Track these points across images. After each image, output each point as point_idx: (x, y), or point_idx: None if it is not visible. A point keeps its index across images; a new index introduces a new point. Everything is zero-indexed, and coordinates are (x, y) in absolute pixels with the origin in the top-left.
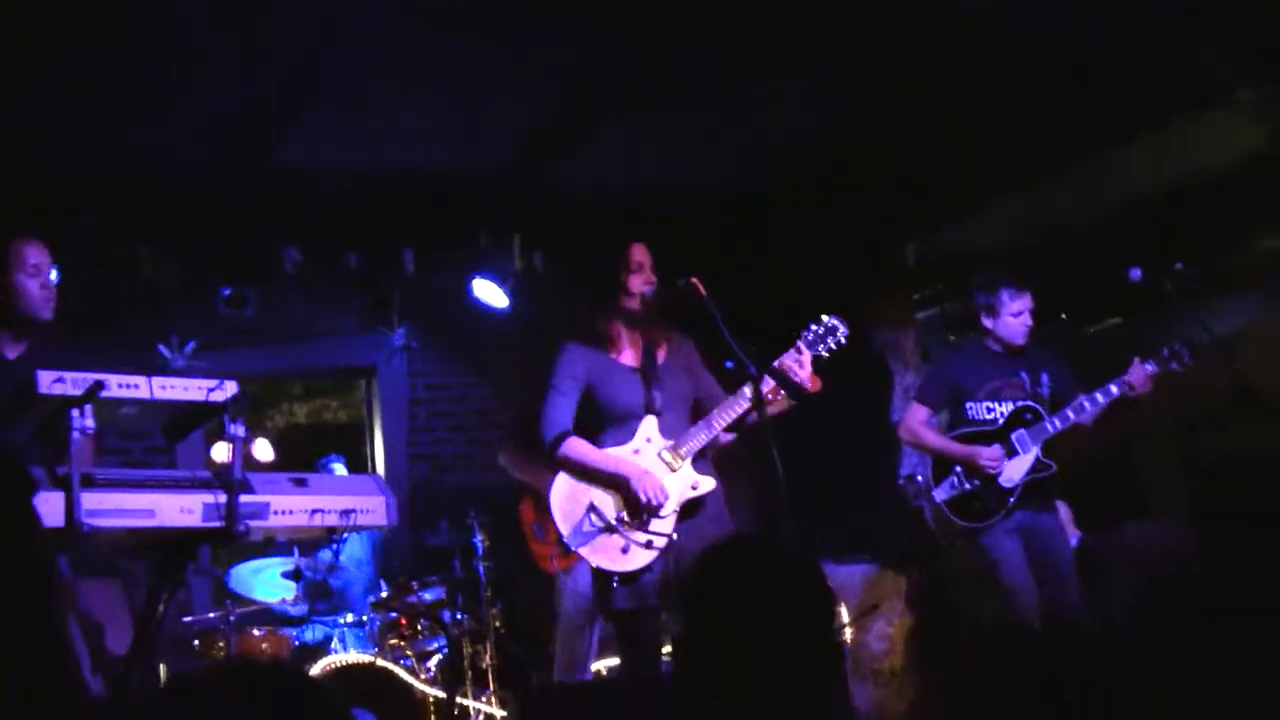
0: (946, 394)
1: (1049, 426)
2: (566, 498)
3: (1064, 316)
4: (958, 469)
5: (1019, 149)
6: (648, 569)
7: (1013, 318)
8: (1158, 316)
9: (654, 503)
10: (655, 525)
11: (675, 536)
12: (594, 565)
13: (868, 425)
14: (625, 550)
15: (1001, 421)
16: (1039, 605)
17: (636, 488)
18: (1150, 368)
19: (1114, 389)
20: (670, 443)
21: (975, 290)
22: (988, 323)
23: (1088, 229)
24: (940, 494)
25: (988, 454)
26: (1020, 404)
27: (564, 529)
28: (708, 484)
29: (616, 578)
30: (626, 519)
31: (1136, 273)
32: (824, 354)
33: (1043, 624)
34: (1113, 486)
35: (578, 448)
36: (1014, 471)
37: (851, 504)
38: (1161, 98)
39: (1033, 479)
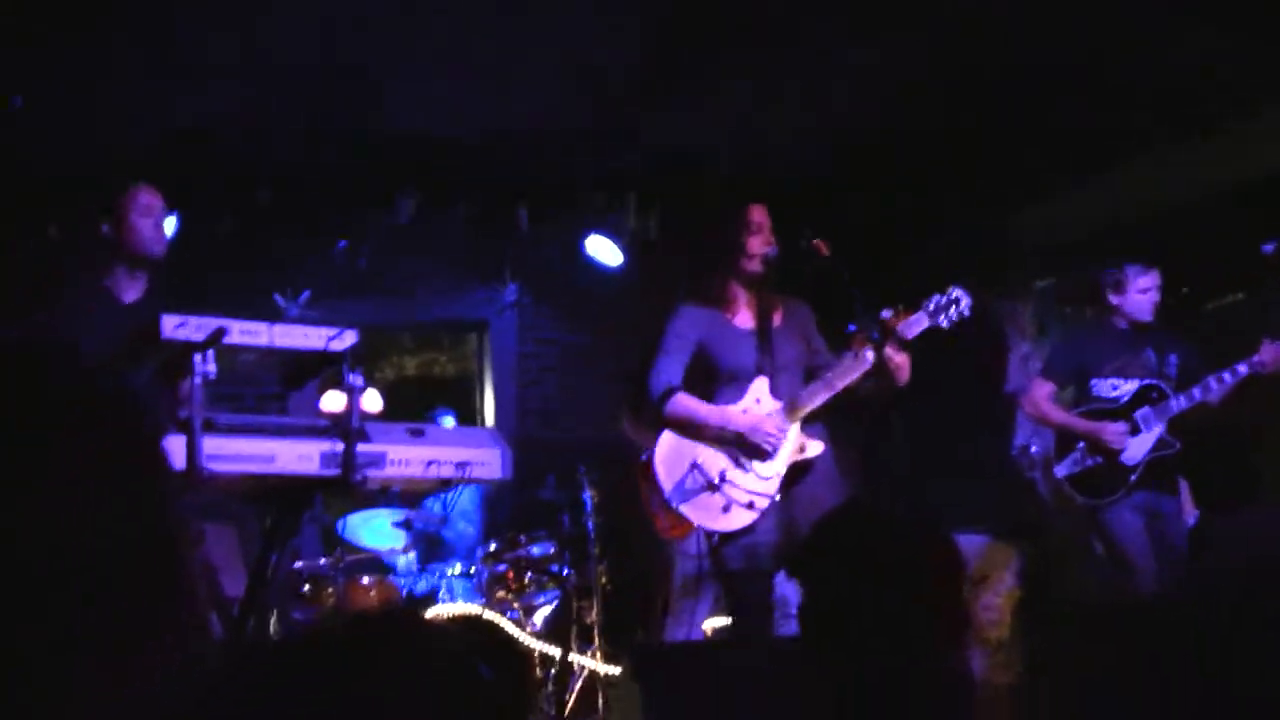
0: (1072, 370)
1: (1174, 404)
2: (671, 453)
3: (1185, 291)
4: (1080, 445)
5: (1143, 120)
6: (749, 529)
7: (1140, 294)
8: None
9: (773, 446)
10: (758, 485)
11: (778, 498)
12: (694, 523)
13: (982, 394)
14: (726, 509)
15: (1126, 399)
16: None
17: (752, 438)
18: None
19: (1242, 369)
20: (779, 404)
21: (1102, 268)
22: (1115, 300)
23: (1214, 201)
24: (1061, 470)
25: (1111, 430)
26: (1146, 382)
27: (666, 485)
28: (816, 447)
29: (717, 536)
30: (729, 477)
31: (1269, 246)
32: (944, 325)
33: (1149, 603)
34: (1226, 464)
35: (686, 402)
36: (1137, 449)
37: (963, 474)
38: None
39: (1155, 457)
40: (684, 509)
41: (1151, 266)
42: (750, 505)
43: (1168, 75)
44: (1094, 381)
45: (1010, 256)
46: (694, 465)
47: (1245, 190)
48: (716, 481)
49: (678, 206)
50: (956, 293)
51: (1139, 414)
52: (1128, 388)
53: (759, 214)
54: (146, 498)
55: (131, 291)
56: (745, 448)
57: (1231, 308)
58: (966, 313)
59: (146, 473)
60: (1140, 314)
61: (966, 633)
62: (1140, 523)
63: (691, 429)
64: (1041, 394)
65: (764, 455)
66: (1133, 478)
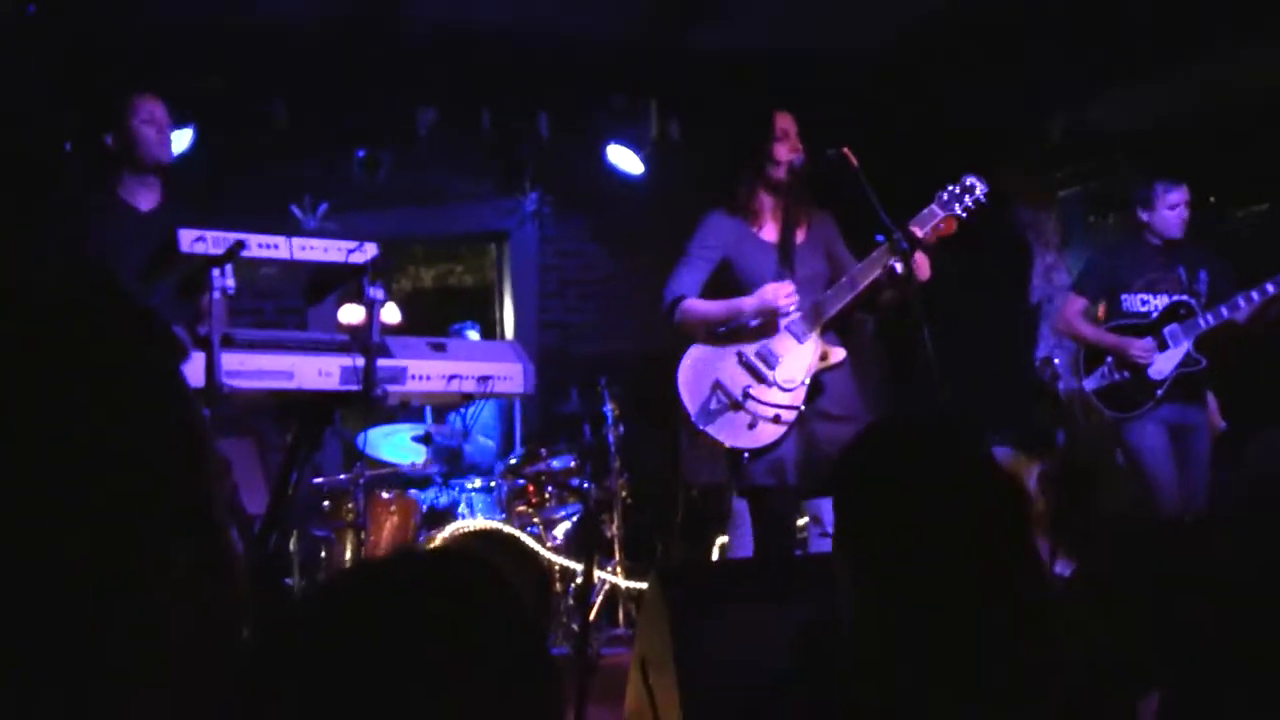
0: (1104, 286)
1: (1202, 322)
2: (693, 377)
3: (1211, 200)
4: (1109, 359)
5: (1177, 23)
6: (777, 443)
7: (1169, 210)
8: None
9: (783, 302)
10: (782, 398)
11: (804, 409)
12: (721, 443)
13: (1005, 304)
14: (752, 426)
15: (1155, 315)
16: (1178, 496)
17: (767, 304)
18: None
19: (1270, 287)
20: (797, 315)
21: (1130, 185)
22: (1144, 216)
23: (1245, 110)
24: (1090, 383)
25: (1138, 345)
26: (1176, 299)
27: (691, 409)
28: (838, 354)
29: (747, 454)
30: (752, 393)
31: None
32: (961, 213)
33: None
34: (1258, 381)
35: (693, 306)
36: (1164, 364)
37: (985, 384)
38: None
39: (1182, 373)
40: (710, 430)
41: (1179, 182)
42: (776, 419)
43: None
44: (1124, 297)
45: (1036, 160)
46: (716, 384)
47: (1273, 99)
48: (740, 399)
49: (701, 111)
50: (970, 180)
51: (1167, 330)
52: (1157, 303)
53: (785, 121)
54: (178, 432)
55: (147, 200)
56: (762, 314)
57: (1258, 217)
58: (983, 199)
59: (175, 408)
60: (1170, 230)
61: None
62: (1164, 438)
63: (704, 330)
64: (1073, 310)
65: (783, 340)
66: (1159, 392)
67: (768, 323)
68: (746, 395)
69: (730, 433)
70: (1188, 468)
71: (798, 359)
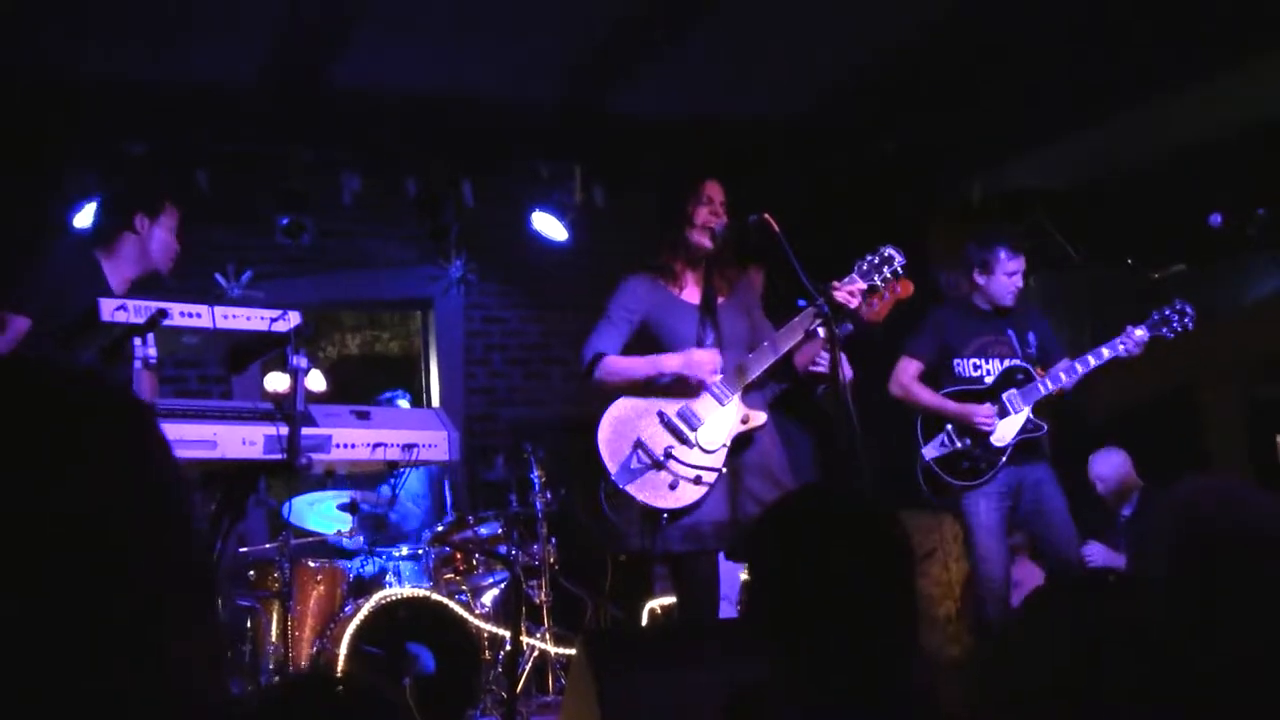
0: (937, 349)
1: (1041, 388)
2: (614, 435)
3: (1129, 261)
4: (949, 427)
5: (1095, 84)
6: (697, 505)
7: (1006, 277)
8: (1229, 261)
9: (710, 370)
10: (703, 459)
11: (724, 470)
12: (641, 502)
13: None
14: (673, 486)
15: (990, 380)
16: (1005, 572)
17: (686, 369)
18: (1142, 333)
19: (1106, 352)
20: (719, 377)
21: (970, 245)
22: (980, 279)
23: (1163, 170)
24: (930, 452)
25: (982, 412)
26: (1011, 363)
27: (611, 467)
28: (759, 418)
29: (665, 515)
30: (674, 453)
31: (1217, 218)
32: (879, 283)
33: (1052, 575)
34: (1172, 433)
35: (614, 362)
36: (1006, 431)
37: (910, 446)
38: (1247, 32)
39: (1024, 438)
40: (630, 489)
41: (1020, 251)
42: (697, 480)
43: (1112, 43)
44: (956, 361)
45: (957, 222)
46: (638, 443)
47: (1189, 159)
48: (661, 458)
49: (625, 176)
50: (888, 250)
51: (1006, 396)
52: (989, 368)
53: (712, 188)
54: (166, 484)
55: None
56: (683, 380)
57: (1176, 278)
58: (900, 270)
59: (161, 457)
60: (1003, 297)
61: (919, 611)
62: (996, 515)
63: (625, 386)
64: (909, 374)
65: (705, 402)
66: (1002, 460)
67: (690, 384)
68: (668, 455)
69: (651, 492)
70: (1043, 519)
71: (720, 421)
